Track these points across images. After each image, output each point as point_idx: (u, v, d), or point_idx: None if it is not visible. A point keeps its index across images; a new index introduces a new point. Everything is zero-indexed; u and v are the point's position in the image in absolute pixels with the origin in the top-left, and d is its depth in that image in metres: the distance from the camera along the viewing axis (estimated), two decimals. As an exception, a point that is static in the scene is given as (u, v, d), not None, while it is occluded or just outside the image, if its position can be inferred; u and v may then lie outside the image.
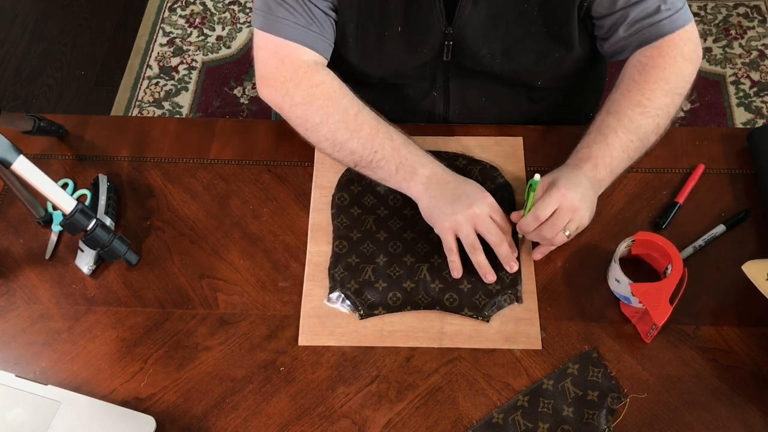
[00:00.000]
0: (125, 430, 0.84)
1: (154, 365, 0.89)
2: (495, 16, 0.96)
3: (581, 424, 0.84)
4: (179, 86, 2.16)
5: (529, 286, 0.93)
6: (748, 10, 2.24)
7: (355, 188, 1.02)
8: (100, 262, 0.97)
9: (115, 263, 0.97)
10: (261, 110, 2.08)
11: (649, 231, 0.93)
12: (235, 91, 2.14)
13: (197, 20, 2.32)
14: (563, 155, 1.03)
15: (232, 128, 1.10)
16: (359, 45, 1.01)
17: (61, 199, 0.89)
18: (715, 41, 2.16)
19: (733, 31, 2.19)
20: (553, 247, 0.95)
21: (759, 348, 0.88)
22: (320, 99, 0.96)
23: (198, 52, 2.24)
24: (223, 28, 2.29)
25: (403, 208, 1.00)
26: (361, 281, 0.94)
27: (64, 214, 0.89)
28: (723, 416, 0.84)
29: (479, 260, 0.92)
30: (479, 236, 0.92)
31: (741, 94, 2.05)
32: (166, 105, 2.12)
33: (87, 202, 1.01)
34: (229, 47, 2.24)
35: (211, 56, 2.23)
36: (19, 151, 0.87)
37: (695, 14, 2.21)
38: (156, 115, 2.09)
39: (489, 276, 0.92)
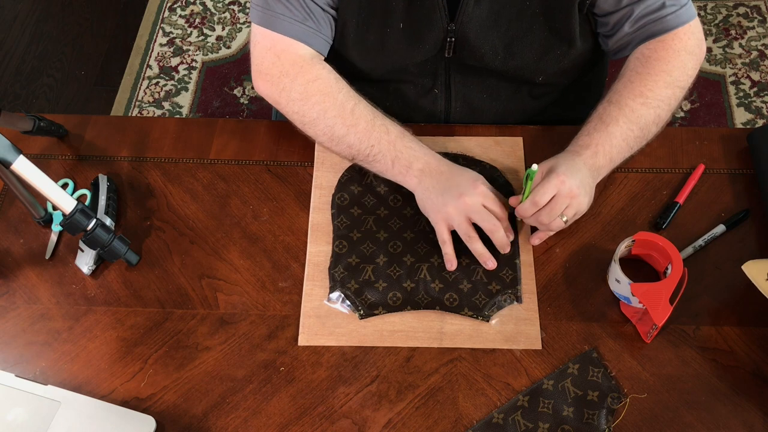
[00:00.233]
0: (125, 430, 0.84)
1: (154, 365, 0.89)
2: (497, 12, 0.96)
3: (581, 424, 0.84)
4: (179, 86, 2.16)
5: (529, 286, 0.93)
6: (748, 10, 2.24)
7: (356, 188, 1.02)
8: (100, 262, 0.97)
9: (115, 263, 0.97)
10: (261, 110, 2.08)
11: (649, 231, 0.93)
12: (235, 91, 2.14)
13: (197, 20, 2.32)
14: (563, 155, 1.03)
15: (232, 128, 1.10)
16: (361, 41, 1.02)
17: (61, 199, 0.89)
18: (715, 41, 2.16)
19: (733, 31, 2.19)
20: (551, 233, 0.96)
21: (759, 348, 0.88)
22: (317, 94, 0.97)
23: (198, 52, 2.24)
24: (223, 28, 2.29)
25: (403, 208, 1.00)
26: (361, 281, 0.94)
27: (64, 214, 0.89)
28: (723, 416, 0.84)
29: (476, 248, 0.93)
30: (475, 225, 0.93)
31: (741, 94, 2.05)
32: (166, 105, 2.12)
33: (87, 202, 1.01)
34: (229, 47, 2.24)
35: (211, 56, 2.23)
36: (19, 151, 0.87)
37: (695, 14, 2.22)
38: (156, 115, 2.09)
39: (489, 263, 0.93)
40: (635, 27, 0.98)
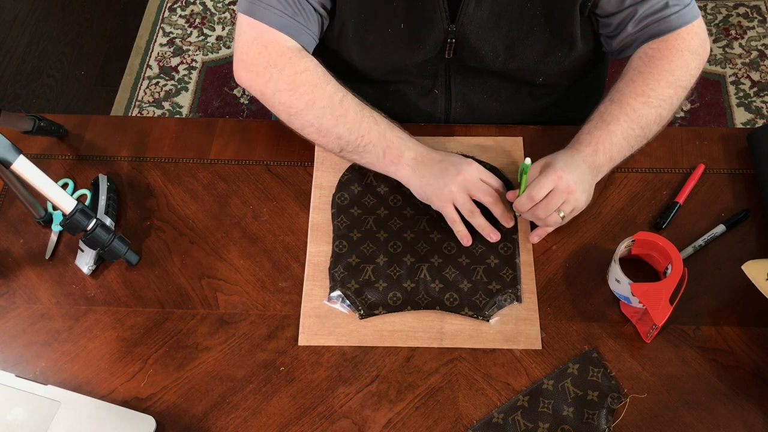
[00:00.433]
0: (125, 430, 0.84)
1: (154, 365, 0.89)
2: (498, 14, 0.96)
3: (581, 424, 0.84)
4: (179, 86, 2.16)
5: (529, 286, 0.93)
6: (748, 10, 2.24)
7: (356, 188, 1.02)
8: (100, 262, 0.97)
9: (115, 263, 0.97)
10: (261, 110, 2.08)
11: (649, 231, 0.93)
12: (235, 91, 2.14)
13: (197, 20, 2.32)
14: (563, 155, 1.03)
15: (232, 128, 1.10)
16: (361, 41, 1.01)
17: (61, 199, 0.89)
18: (715, 41, 2.16)
19: (733, 31, 2.19)
20: (550, 230, 0.96)
21: (759, 348, 0.88)
22: (305, 85, 0.97)
23: (198, 52, 2.24)
24: (223, 28, 2.29)
25: (403, 208, 1.00)
26: (362, 281, 0.94)
27: (64, 214, 0.89)
28: (723, 416, 0.84)
29: (479, 222, 0.95)
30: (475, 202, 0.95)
31: (741, 94, 2.05)
32: (166, 105, 2.12)
33: (87, 202, 1.01)
34: (229, 47, 2.24)
35: (211, 56, 2.23)
36: (19, 151, 0.87)
37: (695, 14, 2.21)
38: (156, 115, 2.09)
39: (493, 235, 0.95)
40: (638, 27, 0.98)
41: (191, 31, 2.29)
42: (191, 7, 2.36)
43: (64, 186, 1.04)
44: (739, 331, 0.90)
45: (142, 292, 0.95)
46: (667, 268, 0.89)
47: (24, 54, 2.27)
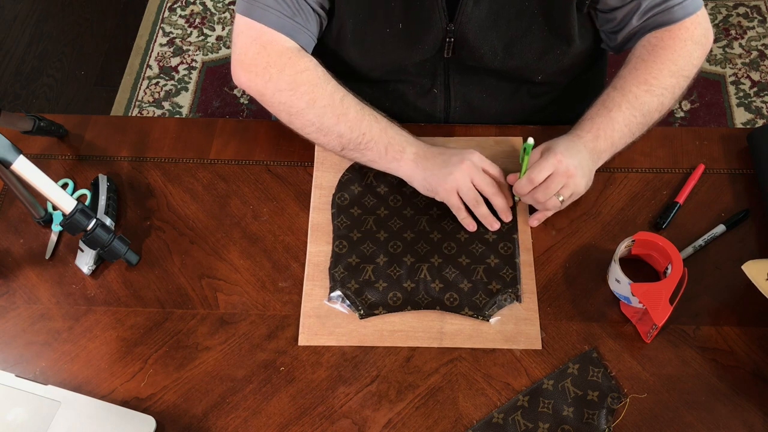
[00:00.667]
0: (125, 430, 0.84)
1: (154, 365, 0.89)
2: (496, 12, 0.97)
3: (581, 424, 0.84)
4: (179, 86, 2.16)
5: (529, 286, 0.93)
6: (748, 10, 2.24)
7: (356, 188, 1.02)
8: (100, 262, 0.97)
9: (115, 263, 0.97)
10: (261, 110, 2.08)
11: (649, 231, 0.93)
12: (235, 91, 2.14)
13: (197, 20, 2.32)
14: (563, 155, 1.03)
15: (232, 128, 1.10)
16: (360, 42, 1.02)
17: (61, 199, 0.89)
18: (715, 41, 2.15)
19: (733, 31, 2.19)
20: (549, 213, 0.97)
21: (759, 348, 0.88)
22: (305, 84, 0.97)
23: (198, 52, 2.24)
24: (223, 28, 2.29)
25: (403, 208, 1.00)
26: (362, 281, 0.94)
27: (64, 214, 0.89)
28: (723, 416, 0.84)
29: (482, 212, 0.96)
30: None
31: (741, 94, 2.05)
32: (166, 105, 2.12)
33: (87, 202, 1.01)
34: (229, 47, 2.24)
35: (211, 56, 2.23)
36: (19, 151, 0.87)
37: (695, 14, 2.21)
38: (156, 115, 2.09)
39: (494, 224, 0.96)
40: (643, 19, 0.99)
41: (191, 31, 2.29)
42: (191, 7, 2.36)
43: (64, 186, 1.04)
44: (739, 331, 0.90)
45: (142, 292, 0.95)
46: (667, 268, 0.89)
47: (24, 54, 2.27)
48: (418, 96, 1.10)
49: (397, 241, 0.97)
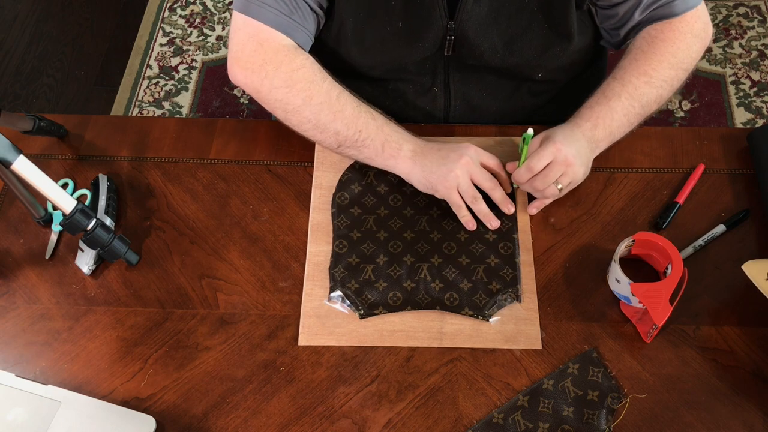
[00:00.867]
0: (125, 430, 0.84)
1: (154, 365, 0.89)
2: (496, 10, 0.97)
3: (581, 424, 0.84)
4: (179, 86, 2.16)
5: (529, 285, 0.93)
6: (748, 10, 2.24)
7: (356, 188, 1.02)
8: (100, 262, 0.97)
9: (115, 263, 0.97)
10: (261, 110, 2.07)
11: (649, 231, 0.93)
12: (235, 91, 2.14)
13: (197, 20, 2.32)
14: (563, 155, 1.03)
15: (232, 128, 1.10)
16: (360, 40, 1.02)
17: (61, 199, 0.89)
18: (715, 41, 2.16)
19: (733, 31, 2.19)
20: (548, 201, 0.98)
21: (759, 348, 0.88)
22: (301, 82, 0.97)
23: (198, 52, 2.24)
24: (223, 28, 2.29)
25: (403, 208, 1.00)
26: (362, 281, 0.94)
27: (64, 214, 0.89)
28: (723, 416, 0.84)
29: (481, 208, 0.96)
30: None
31: (741, 94, 2.05)
32: (166, 105, 2.12)
33: (87, 202, 1.01)
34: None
35: (211, 56, 2.23)
36: (19, 151, 0.87)
37: (695, 14, 2.21)
38: (156, 115, 2.09)
39: (493, 222, 0.96)
40: (645, 14, 1.01)
41: (191, 31, 2.29)
42: (191, 7, 2.36)
43: (64, 186, 1.04)
44: (739, 331, 0.90)
45: (142, 292, 0.95)
46: (667, 268, 0.89)
47: (24, 54, 2.27)
48: (418, 94, 1.10)
49: (397, 241, 0.97)
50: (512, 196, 0.99)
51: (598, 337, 0.90)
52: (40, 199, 0.97)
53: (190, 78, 2.18)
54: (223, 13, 2.33)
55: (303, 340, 0.90)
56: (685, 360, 0.88)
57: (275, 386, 0.88)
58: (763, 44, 2.15)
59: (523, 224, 0.98)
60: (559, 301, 0.92)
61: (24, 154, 0.87)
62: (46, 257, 0.98)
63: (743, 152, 1.04)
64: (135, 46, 2.27)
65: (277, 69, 0.97)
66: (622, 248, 0.90)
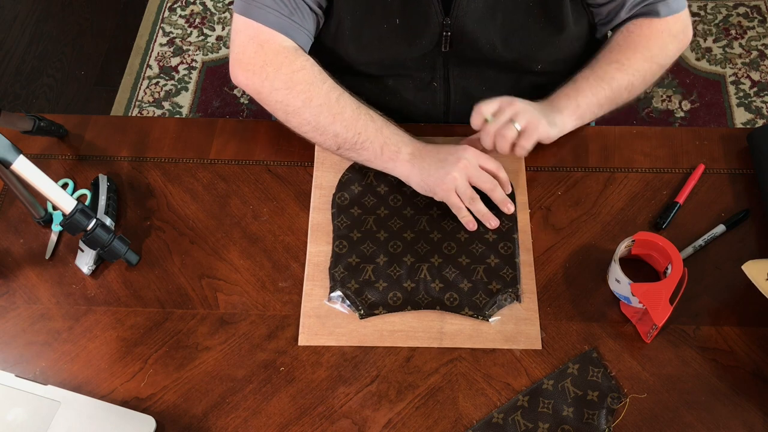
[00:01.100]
0: (125, 430, 0.84)
1: (154, 365, 0.89)
2: (492, 5, 0.97)
3: (581, 424, 0.84)
4: (179, 86, 2.16)
5: (529, 286, 0.93)
6: (748, 10, 2.24)
7: (356, 188, 1.02)
8: (100, 262, 0.97)
9: (115, 263, 0.97)
10: (261, 110, 2.07)
11: (649, 231, 0.93)
12: (235, 91, 2.14)
13: (197, 20, 2.32)
14: (564, 154, 1.03)
15: (232, 128, 1.10)
16: (357, 38, 1.02)
17: (61, 199, 0.89)
18: (715, 41, 2.16)
19: (733, 31, 2.19)
20: (509, 144, 0.94)
21: (759, 348, 0.88)
22: (301, 83, 0.97)
23: (198, 52, 2.24)
24: (223, 28, 2.29)
25: (403, 208, 1.00)
26: (362, 281, 0.94)
27: (64, 214, 0.89)
28: (723, 416, 0.84)
29: (479, 209, 0.96)
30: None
31: (741, 94, 2.05)
32: (166, 105, 2.12)
33: (87, 202, 1.01)
34: (229, 47, 2.24)
35: (211, 56, 2.23)
36: (19, 151, 0.87)
37: (695, 14, 2.22)
38: (156, 115, 2.09)
39: (492, 222, 0.96)
40: (629, 14, 1.02)
41: (191, 31, 2.29)
42: (191, 7, 2.36)
43: (64, 186, 1.04)
44: (739, 331, 0.90)
45: (142, 292, 0.95)
46: (667, 268, 0.89)
47: (24, 54, 2.27)
48: (418, 90, 1.10)
49: (397, 241, 0.97)
50: (512, 196, 0.99)
51: (598, 337, 0.90)
52: (40, 199, 0.97)
53: (190, 78, 2.18)
54: (223, 13, 2.33)
55: (303, 340, 0.90)
56: (685, 360, 0.88)
57: (275, 386, 0.88)
58: (763, 44, 2.15)
59: (523, 224, 0.98)
60: (559, 301, 0.92)
61: (24, 154, 0.87)
62: (46, 257, 0.98)
63: (743, 152, 1.04)
64: (135, 46, 2.27)
65: (277, 71, 0.97)
66: (622, 248, 0.90)
